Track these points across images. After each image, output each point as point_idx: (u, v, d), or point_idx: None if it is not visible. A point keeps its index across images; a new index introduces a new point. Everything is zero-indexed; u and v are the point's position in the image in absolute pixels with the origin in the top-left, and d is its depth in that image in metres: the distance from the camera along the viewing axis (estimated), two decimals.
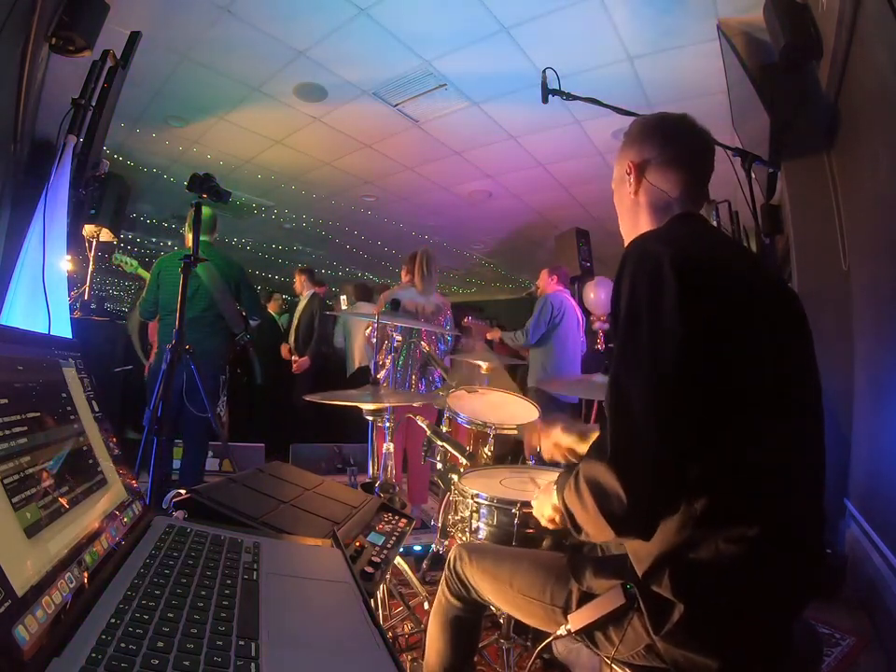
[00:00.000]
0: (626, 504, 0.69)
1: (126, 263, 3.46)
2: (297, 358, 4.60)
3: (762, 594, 0.74)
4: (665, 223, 0.94)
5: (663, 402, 0.72)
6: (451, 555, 1.12)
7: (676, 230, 0.90)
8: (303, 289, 4.85)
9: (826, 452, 0.84)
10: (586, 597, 0.87)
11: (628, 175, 0.99)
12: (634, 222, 1.01)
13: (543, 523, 0.97)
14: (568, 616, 0.88)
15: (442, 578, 1.13)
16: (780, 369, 0.81)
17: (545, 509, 0.96)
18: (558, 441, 1.22)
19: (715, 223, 3.02)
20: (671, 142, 0.97)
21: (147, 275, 3.16)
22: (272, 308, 5.56)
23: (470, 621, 1.12)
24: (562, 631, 0.88)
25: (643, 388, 0.73)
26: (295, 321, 4.78)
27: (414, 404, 2.22)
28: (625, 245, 1.02)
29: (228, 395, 4.46)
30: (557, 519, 0.93)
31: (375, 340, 2.47)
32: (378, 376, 1.87)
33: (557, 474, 1.48)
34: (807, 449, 0.83)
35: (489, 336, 4.27)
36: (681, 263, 0.76)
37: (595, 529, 0.77)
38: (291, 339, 4.75)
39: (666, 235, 0.88)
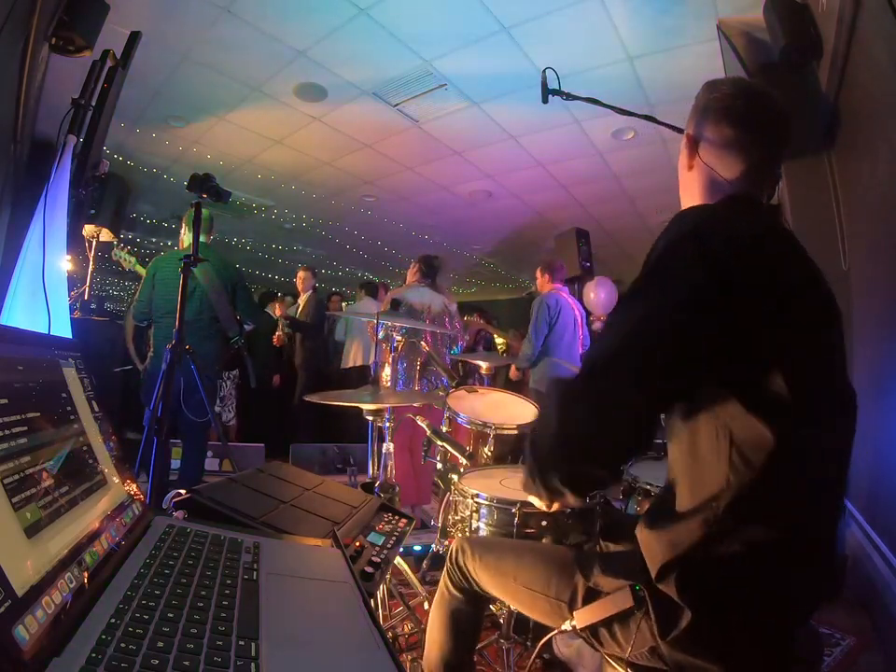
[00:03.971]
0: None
1: (125, 260, 3.44)
2: (280, 334, 4.70)
3: (770, 602, 0.74)
4: (715, 203, 0.87)
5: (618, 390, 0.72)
6: (453, 547, 1.11)
7: (724, 213, 0.83)
8: (304, 289, 4.83)
9: (851, 460, 0.80)
10: (592, 593, 0.86)
11: (686, 147, 0.93)
12: (688, 191, 0.95)
13: None
14: (574, 613, 0.87)
15: (444, 570, 1.12)
16: (811, 373, 0.76)
17: None
18: None
19: None
20: (732, 122, 0.87)
21: (143, 271, 3.11)
22: (278, 312, 5.48)
23: (472, 613, 1.12)
24: (566, 626, 0.87)
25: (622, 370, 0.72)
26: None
27: (414, 404, 2.21)
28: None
29: (238, 400, 4.51)
30: None
31: (377, 339, 2.48)
32: (386, 380, 1.86)
33: None
34: (830, 457, 0.79)
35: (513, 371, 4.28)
36: (717, 251, 0.73)
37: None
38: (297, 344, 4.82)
39: (712, 217, 0.82)
